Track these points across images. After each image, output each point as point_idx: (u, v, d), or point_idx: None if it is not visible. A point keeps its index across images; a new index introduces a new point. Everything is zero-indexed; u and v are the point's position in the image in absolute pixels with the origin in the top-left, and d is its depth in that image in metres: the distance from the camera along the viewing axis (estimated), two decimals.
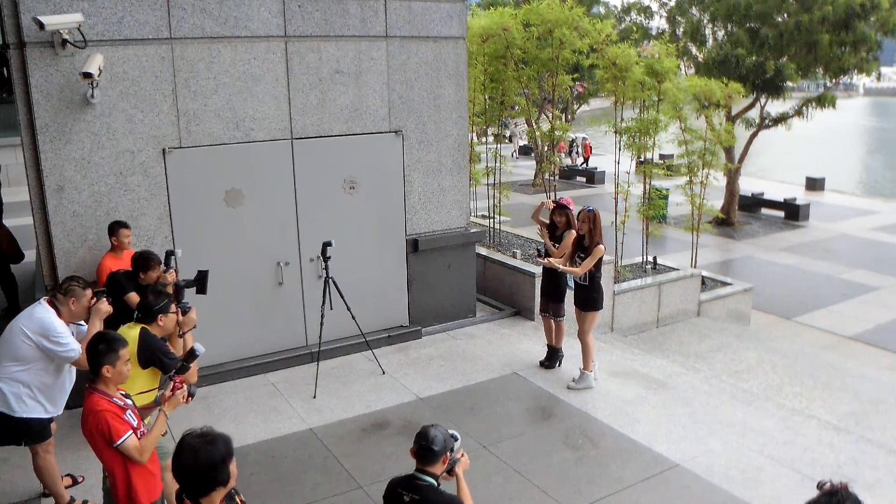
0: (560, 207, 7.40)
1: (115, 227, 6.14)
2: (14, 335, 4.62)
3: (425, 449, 3.35)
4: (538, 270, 8.29)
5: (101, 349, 3.68)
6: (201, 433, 2.77)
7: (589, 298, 6.99)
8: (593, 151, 30.50)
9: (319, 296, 7.13)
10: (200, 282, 5.50)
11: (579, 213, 7.05)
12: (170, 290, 5.43)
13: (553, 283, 7.42)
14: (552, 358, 7.53)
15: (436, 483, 3.36)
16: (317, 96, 7.30)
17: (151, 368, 4.39)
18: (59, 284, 5.01)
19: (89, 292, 4.85)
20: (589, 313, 7.02)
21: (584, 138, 30.39)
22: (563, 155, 28.93)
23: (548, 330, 7.59)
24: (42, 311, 4.65)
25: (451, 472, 3.50)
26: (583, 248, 6.96)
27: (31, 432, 4.77)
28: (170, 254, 6.11)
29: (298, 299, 7.58)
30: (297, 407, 6.67)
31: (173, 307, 4.56)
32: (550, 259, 7.08)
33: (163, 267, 5.88)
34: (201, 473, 2.71)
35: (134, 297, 5.57)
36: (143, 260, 5.80)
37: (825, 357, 9.65)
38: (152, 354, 4.33)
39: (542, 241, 7.52)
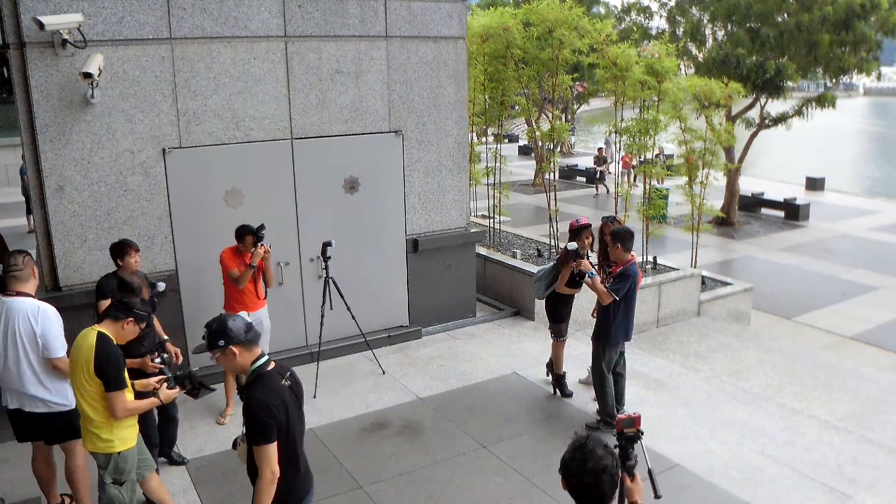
0: (583, 228, 6.62)
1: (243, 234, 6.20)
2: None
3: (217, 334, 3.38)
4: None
5: None
6: None
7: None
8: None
9: (319, 296, 7.13)
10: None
11: (602, 224, 6.63)
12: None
13: (555, 302, 6.90)
14: (561, 386, 6.95)
15: None
16: (317, 96, 7.30)
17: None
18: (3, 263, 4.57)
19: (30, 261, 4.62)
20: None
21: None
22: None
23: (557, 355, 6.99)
24: (31, 305, 4.47)
25: None
26: (609, 259, 6.35)
27: (72, 430, 4.54)
28: (152, 287, 5.28)
29: (298, 299, 7.58)
30: None
31: (144, 325, 4.27)
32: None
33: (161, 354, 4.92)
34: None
35: (104, 304, 5.07)
36: (119, 246, 5.41)
37: (825, 357, 9.62)
38: (108, 369, 3.95)
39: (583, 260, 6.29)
